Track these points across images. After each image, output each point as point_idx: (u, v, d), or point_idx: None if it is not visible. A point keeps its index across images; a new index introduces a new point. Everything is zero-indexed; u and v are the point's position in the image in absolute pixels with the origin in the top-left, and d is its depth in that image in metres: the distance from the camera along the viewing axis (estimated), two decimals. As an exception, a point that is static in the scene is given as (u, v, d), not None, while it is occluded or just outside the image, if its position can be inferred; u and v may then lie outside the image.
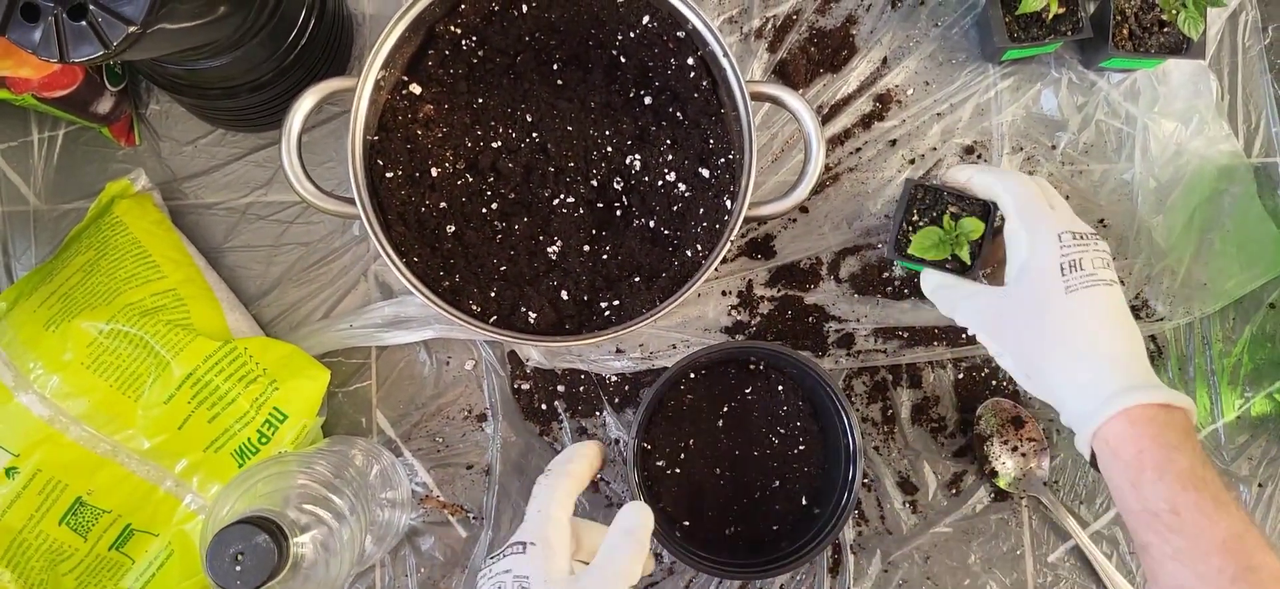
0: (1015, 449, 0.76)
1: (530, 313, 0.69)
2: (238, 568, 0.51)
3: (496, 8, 0.72)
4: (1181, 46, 0.78)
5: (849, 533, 0.77)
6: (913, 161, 0.81)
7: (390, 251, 0.66)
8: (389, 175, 0.69)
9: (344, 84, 0.66)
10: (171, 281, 0.70)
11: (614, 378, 0.77)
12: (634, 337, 0.77)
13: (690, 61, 0.71)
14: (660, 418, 0.75)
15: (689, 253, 0.70)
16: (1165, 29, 0.78)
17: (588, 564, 0.57)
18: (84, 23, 0.51)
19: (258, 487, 0.58)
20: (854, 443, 0.70)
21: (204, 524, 0.59)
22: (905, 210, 0.70)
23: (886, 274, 0.79)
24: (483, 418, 0.77)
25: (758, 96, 0.68)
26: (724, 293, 0.79)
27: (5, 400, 0.65)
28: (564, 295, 0.71)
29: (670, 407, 0.75)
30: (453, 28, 0.71)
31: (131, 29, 0.51)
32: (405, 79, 0.71)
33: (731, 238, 0.67)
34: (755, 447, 0.75)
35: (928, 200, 0.70)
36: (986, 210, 0.69)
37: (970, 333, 0.65)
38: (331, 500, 0.59)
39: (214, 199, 0.78)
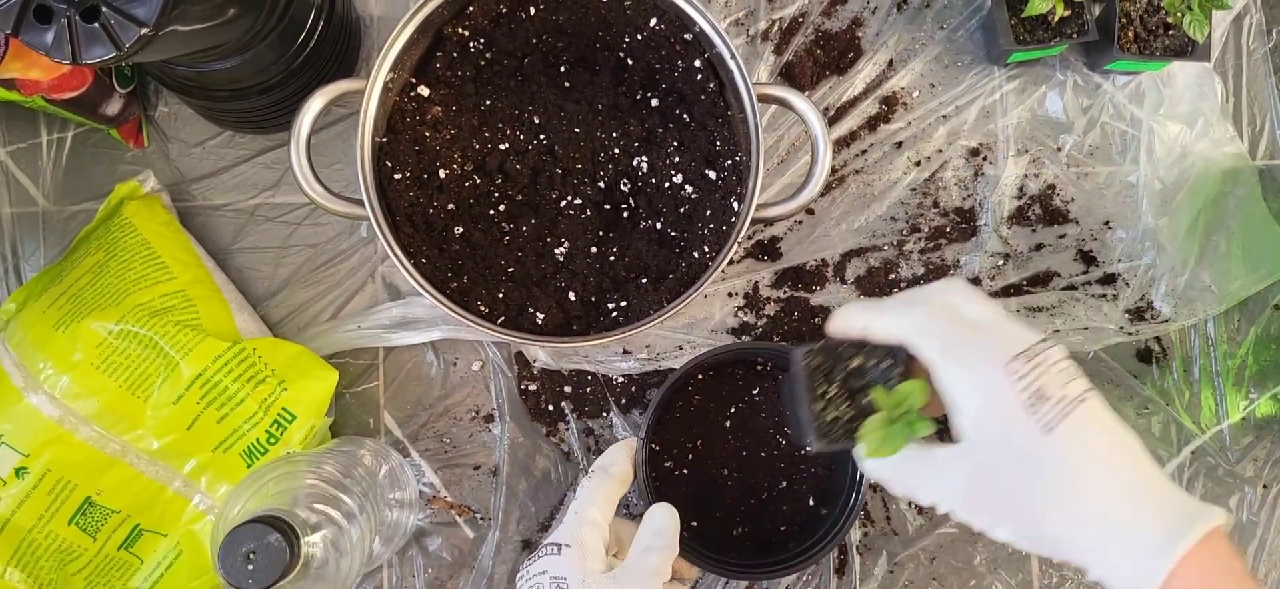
0: (1021, 450, 0.76)
1: (538, 314, 0.70)
2: (250, 567, 0.51)
3: (504, 10, 0.72)
4: (1186, 49, 0.78)
5: (855, 534, 0.77)
6: (918, 163, 0.81)
7: (398, 253, 0.66)
8: (397, 177, 0.70)
9: (353, 86, 0.66)
10: (180, 283, 0.70)
11: (620, 379, 0.77)
12: (640, 338, 0.78)
13: (697, 64, 0.71)
14: (668, 419, 0.75)
15: (696, 254, 0.71)
16: (1170, 32, 0.78)
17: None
18: (96, 25, 0.51)
19: (268, 486, 0.58)
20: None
21: (214, 524, 0.59)
22: (808, 387, 0.53)
23: (893, 276, 0.80)
24: (490, 419, 0.77)
25: (764, 99, 0.68)
26: (730, 294, 0.79)
27: (15, 401, 0.65)
28: (571, 296, 0.71)
29: (678, 408, 0.75)
30: (461, 30, 0.71)
31: (144, 31, 0.51)
32: (413, 81, 0.71)
33: (738, 239, 0.67)
34: (762, 448, 0.75)
35: (827, 366, 0.54)
36: (895, 352, 0.52)
37: (942, 512, 0.49)
38: (341, 500, 0.60)
39: (222, 200, 0.78)
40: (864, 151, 0.81)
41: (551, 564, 0.56)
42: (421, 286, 0.65)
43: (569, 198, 0.73)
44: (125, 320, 0.67)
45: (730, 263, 0.78)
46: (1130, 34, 0.78)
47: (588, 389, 0.77)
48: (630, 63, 0.73)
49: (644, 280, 0.71)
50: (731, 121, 0.72)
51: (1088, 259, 0.81)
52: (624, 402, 0.78)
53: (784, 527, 0.74)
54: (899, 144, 0.81)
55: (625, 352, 0.78)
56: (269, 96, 0.72)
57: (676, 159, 0.73)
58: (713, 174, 0.72)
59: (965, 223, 0.81)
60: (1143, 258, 0.81)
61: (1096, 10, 0.79)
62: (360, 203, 0.66)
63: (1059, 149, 0.82)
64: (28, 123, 0.77)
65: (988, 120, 0.82)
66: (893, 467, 0.51)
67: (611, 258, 0.72)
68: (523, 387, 0.77)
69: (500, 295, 0.70)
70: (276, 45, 0.68)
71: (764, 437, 0.75)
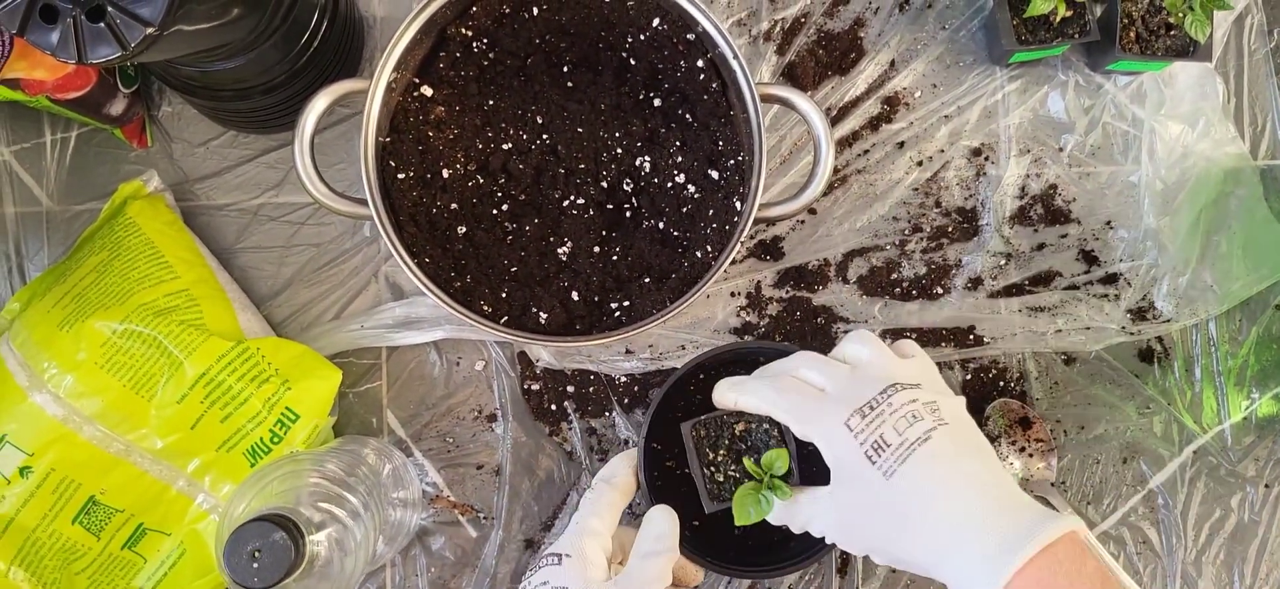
0: (1023, 449, 0.77)
1: (541, 313, 0.70)
2: (255, 565, 0.51)
3: (507, 10, 0.72)
4: (1188, 49, 0.78)
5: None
6: (920, 164, 0.81)
7: (402, 252, 0.66)
8: (401, 176, 0.70)
9: (356, 86, 0.66)
10: (184, 282, 0.70)
11: (623, 378, 0.78)
12: (643, 337, 0.78)
13: (700, 64, 0.71)
14: (669, 418, 0.75)
15: (699, 254, 0.71)
16: (1172, 32, 0.78)
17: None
18: (102, 24, 0.51)
19: (273, 485, 0.59)
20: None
21: (219, 522, 0.59)
22: (697, 456, 0.61)
23: (894, 276, 0.80)
24: (493, 418, 0.77)
25: (767, 99, 0.68)
26: (733, 294, 0.79)
27: (20, 400, 0.65)
28: (574, 296, 0.71)
29: (680, 407, 0.75)
30: (464, 30, 0.71)
31: (149, 31, 0.51)
32: (417, 81, 0.72)
33: (741, 239, 0.67)
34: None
35: (713, 434, 0.62)
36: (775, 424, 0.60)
37: (830, 543, 0.57)
38: (346, 499, 0.60)
39: (226, 200, 0.78)
40: (866, 151, 0.81)
41: (552, 574, 0.56)
42: (425, 286, 0.66)
43: (572, 197, 0.73)
44: (129, 320, 0.67)
45: (733, 262, 0.78)
46: (1132, 34, 0.78)
47: (591, 389, 0.77)
48: (633, 63, 0.74)
49: (647, 280, 0.71)
50: (734, 121, 0.72)
51: (1089, 259, 0.81)
52: (627, 401, 0.78)
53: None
54: (901, 144, 0.82)
55: (628, 351, 0.78)
56: (273, 96, 0.72)
57: (679, 159, 0.73)
58: (715, 174, 0.72)
59: (967, 223, 0.81)
60: (1144, 258, 0.81)
61: (1098, 11, 0.79)
62: (364, 202, 0.66)
63: (1061, 149, 0.82)
64: (32, 123, 0.78)
65: (990, 120, 0.82)
66: (784, 514, 0.58)
67: (614, 257, 0.73)
68: (526, 386, 0.78)
69: (503, 295, 0.70)
70: (280, 45, 0.68)
71: (766, 436, 0.75)
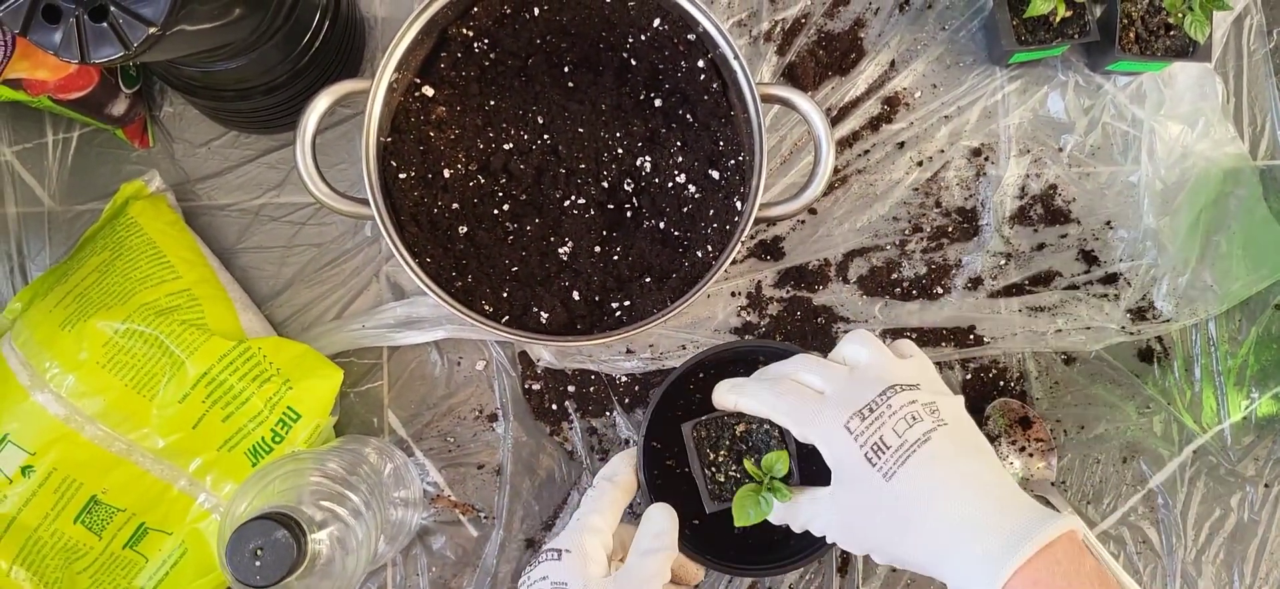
0: (1023, 449, 0.77)
1: (542, 313, 0.70)
2: (257, 563, 0.51)
3: (508, 11, 0.72)
4: (1187, 50, 0.78)
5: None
6: (920, 164, 0.81)
7: (403, 252, 0.66)
8: (402, 176, 0.70)
9: (358, 86, 0.66)
10: (186, 282, 0.71)
11: (624, 378, 0.78)
12: (644, 337, 0.78)
13: (700, 64, 0.71)
14: (669, 416, 0.75)
15: (699, 254, 0.71)
16: (1171, 32, 0.79)
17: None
18: (104, 24, 0.52)
19: (274, 484, 0.59)
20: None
21: (221, 521, 0.59)
22: (698, 456, 0.62)
23: (895, 275, 0.80)
24: (494, 418, 0.78)
25: (767, 99, 0.68)
26: (733, 294, 0.79)
27: (21, 399, 0.66)
28: (575, 296, 0.71)
29: (679, 406, 0.75)
30: (465, 31, 0.72)
31: (152, 30, 0.51)
32: (418, 81, 0.72)
33: (741, 239, 0.67)
34: (765, 446, 0.75)
35: (714, 435, 0.62)
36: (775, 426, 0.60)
37: (830, 542, 0.58)
38: (347, 498, 0.60)
39: (227, 200, 0.79)
40: (866, 152, 0.81)
41: (552, 570, 0.56)
42: (426, 286, 0.66)
43: (573, 197, 0.73)
44: (131, 319, 0.67)
45: (733, 262, 0.78)
46: (1131, 35, 0.78)
47: (591, 388, 0.78)
48: (634, 63, 0.74)
49: (647, 280, 0.71)
50: (734, 122, 0.72)
51: (1089, 259, 0.81)
52: (627, 401, 0.78)
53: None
54: (901, 144, 0.82)
55: (629, 351, 0.78)
56: (274, 97, 0.72)
57: (680, 159, 0.73)
58: (716, 174, 0.73)
59: (967, 223, 0.81)
60: (1144, 258, 0.81)
61: (1098, 11, 0.79)
62: (365, 202, 0.66)
63: (1060, 149, 0.82)
64: (34, 123, 0.78)
65: (990, 120, 0.83)
66: (785, 514, 0.58)
67: (615, 257, 0.73)
68: (526, 386, 0.78)
69: (504, 295, 0.71)
70: (282, 45, 0.68)
71: (767, 435, 0.75)
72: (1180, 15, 0.75)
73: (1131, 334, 0.81)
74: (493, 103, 0.74)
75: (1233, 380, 0.81)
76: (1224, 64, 0.84)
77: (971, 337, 0.80)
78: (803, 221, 0.81)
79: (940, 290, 0.80)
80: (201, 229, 0.78)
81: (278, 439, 0.70)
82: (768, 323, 0.79)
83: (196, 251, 0.74)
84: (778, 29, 0.82)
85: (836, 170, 0.81)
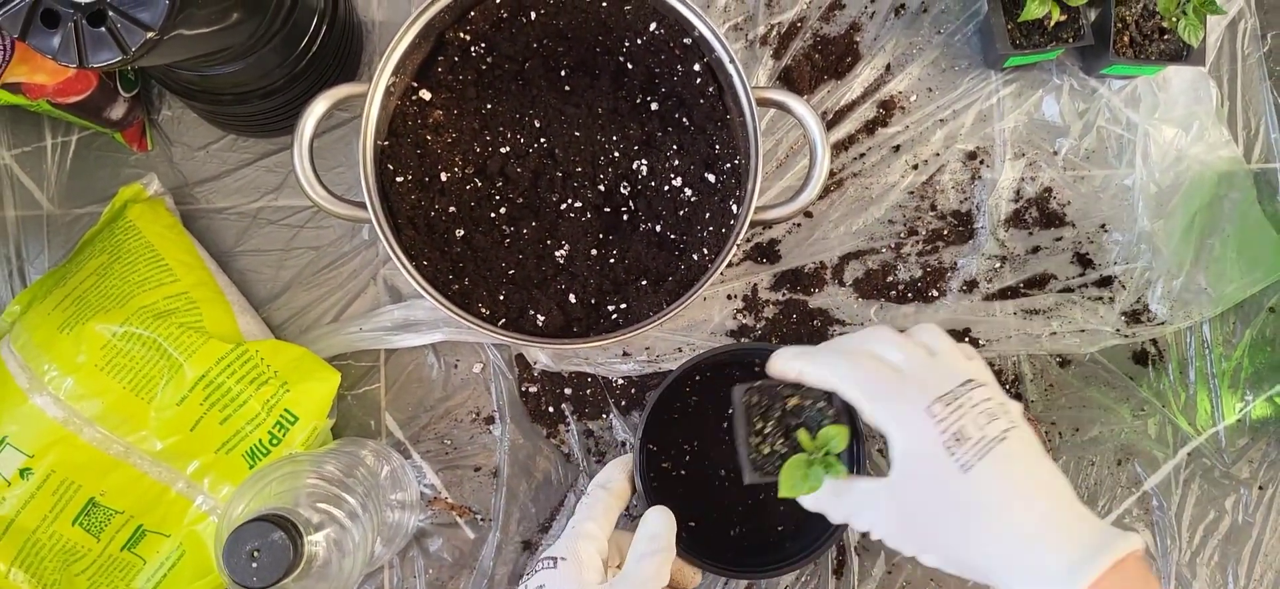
0: (1018, 452, 0.77)
1: (538, 316, 0.70)
2: (254, 565, 0.51)
3: (505, 15, 0.73)
4: (1181, 53, 0.79)
5: (853, 534, 0.77)
6: (915, 167, 0.82)
7: (400, 255, 0.66)
8: (399, 180, 0.70)
9: (355, 89, 0.67)
10: (184, 285, 0.71)
11: (620, 381, 0.78)
12: (640, 340, 0.78)
13: (696, 68, 0.72)
14: (666, 420, 0.75)
15: (695, 257, 0.71)
16: (1165, 36, 0.79)
17: None
18: (103, 29, 0.52)
19: (271, 486, 0.59)
20: (859, 442, 0.70)
21: (218, 523, 0.60)
22: (745, 423, 0.58)
23: (890, 278, 0.80)
24: (490, 420, 0.78)
25: (763, 102, 0.69)
26: (729, 296, 0.80)
27: (20, 402, 0.66)
28: (572, 299, 0.72)
29: (676, 409, 0.76)
30: (462, 34, 0.72)
31: (149, 35, 0.52)
32: (415, 85, 0.72)
33: (737, 242, 0.68)
34: (761, 448, 0.75)
35: (764, 403, 0.58)
36: (835, 397, 0.56)
37: (875, 538, 0.54)
38: (344, 500, 0.60)
39: (225, 204, 0.79)
40: (862, 155, 0.82)
41: (548, 578, 0.56)
42: (423, 289, 0.66)
43: (569, 201, 0.74)
44: (129, 322, 0.67)
45: (729, 265, 0.78)
46: (1126, 39, 0.79)
47: (588, 391, 0.78)
48: (630, 67, 0.74)
49: (644, 283, 0.72)
50: (730, 125, 0.72)
51: (1084, 262, 0.82)
52: (624, 404, 0.78)
53: (781, 527, 0.74)
54: (897, 148, 0.82)
55: (625, 354, 0.78)
56: (272, 101, 0.72)
57: (676, 162, 0.73)
58: (712, 177, 0.73)
59: (962, 226, 0.81)
60: (1139, 261, 0.81)
61: (1092, 15, 0.79)
62: (362, 206, 0.66)
63: (1055, 153, 0.83)
64: (32, 127, 0.78)
65: (985, 124, 0.83)
66: (829, 499, 0.54)
67: (611, 260, 0.73)
68: (523, 389, 0.78)
69: (501, 297, 0.71)
70: (279, 49, 0.68)
71: (763, 438, 0.75)
72: (1174, 19, 0.76)
73: (1126, 337, 0.81)
74: (489, 106, 0.74)
75: (1227, 383, 0.82)
76: (1218, 68, 0.85)
77: (967, 339, 0.80)
78: (799, 225, 0.81)
79: (936, 293, 0.80)
80: (200, 232, 0.78)
81: (275, 442, 0.70)
82: (764, 326, 0.79)
83: (194, 255, 0.74)
84: (773, 33, 0.82)
85: (832, 174, 0.81)
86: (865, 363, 0.54)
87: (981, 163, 0.82)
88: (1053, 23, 0.77)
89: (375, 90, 0.67)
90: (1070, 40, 0.78)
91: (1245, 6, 0.85)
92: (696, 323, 0.79)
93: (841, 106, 0.82)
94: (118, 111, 0.74)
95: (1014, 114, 0.83)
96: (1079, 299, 0.81)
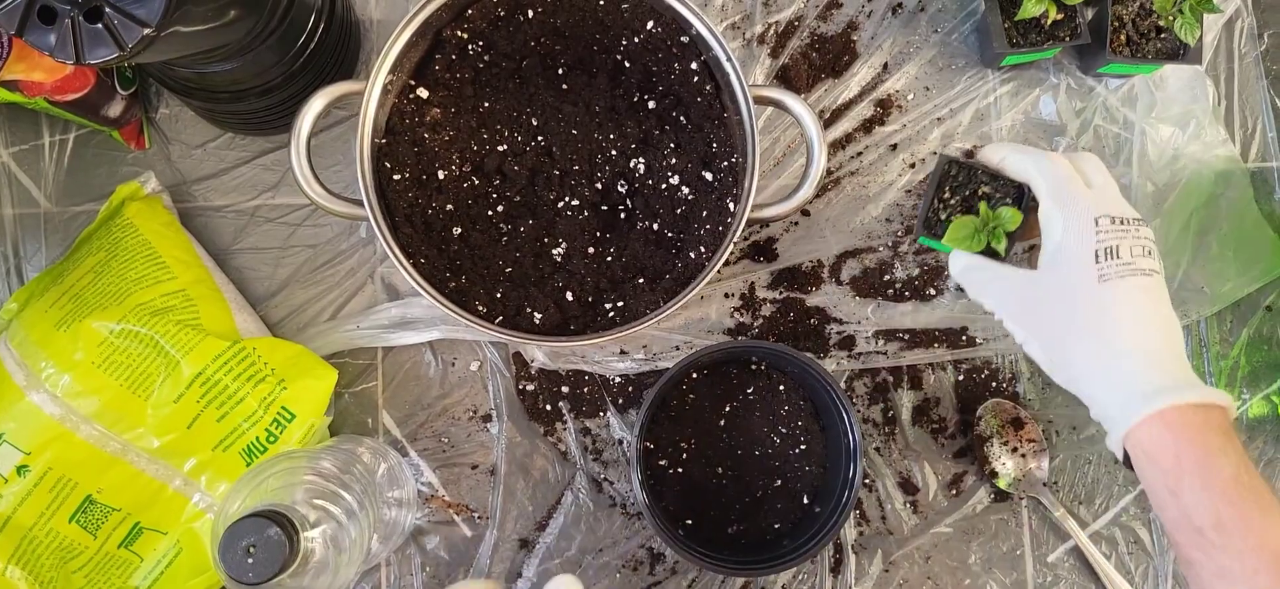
0: (1015, 450, 0.77)
1: (536, 314, 0.70)
2: (249, 560, 0.51)
3: (503, 13, 0.73)
4: (1178, 52, 0.79)
5: (850, 532, 0.78)
6: (913, 166, 0.82)
7: (397, 253, 0.66)
8: (396, 178, 0.70)
9: (353, 87, 0.67)
10: (181, 282, 0.71)
11: (617, 379, 0.78)
12: (637, 338, 0.78)
13: (694, 66, 0.72)
14: (663, 417, 0.75)
15: (692, 255, 0.71)
16: (1162, 35, 0.79)
17: None
18: (99, 25, 0.52)
19: (268, 482, 0.59)
20: (855, 441, 0.70)
21: (214, 519, 0.60)
22: (937, 188, 0.68)
23: (887, 277, 0.80)
24: (488, 418, 0.78)
25: (760, 101, 0.69)
26: (727, 295, 0.80)
27: (17, 399, 0.66)
28: (569, 296, 0.72)
29: (673, 406, 0.76)
30: (459, 33, 0.72)
31: (146, 32, 0.52)
32: (412, 83, 0.72)
33: (734, 240, 0.68)
34: (757, 446, 0.75)
35: (960, 178, 0.68)
36: (1021, 193, 0.66)
37: (997, 316, 0.63)
38: (341, 497, 0.60)
39: (223, 202, 0.79)
40: (859, 154, 0.82)
41: None
42: (420, 287, 0.66)
43: (566, 199, 0.74)
44: (126, 320, 0.67)
45: (726, 263, 0.79)
46: (1122, 37, 0.79)
47: (585, 389, 0.78)
48: (627, 65, 0.74)
49: (641, 281, 0.72)
50: (728, 124, 0.72)
51: (1081, 260, 0.82)
52: (621, 402, 0.78)
53: (778, 524, 0.74)
54: (894, 146, 0.82)
55: (622, 352, 0.78)
56: (269, 98, 0.73)
57: (673, 161, 0.73)
58: (709, 175, 0.73)
59: (959, 224, 0.81)
60: (1135, 259, 0.81)
61: (1089, 14, 0.79)
62: (359, 203, 0.66)
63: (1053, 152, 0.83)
64: (30, 124, 0.78)
65: (982, 123, 0.83)
66: (972, 270, 0.64)
67: (609, 258, 0.73)
68: (520, 386, 0.78)
69: (498, 295, 0.71)
70: (277, 47, 0.68)
71: (758, 435, 0.75)
72: (1171, 18, 0.76)
73: (1123, 335, 0.81)
74: (487, 105, 0.74)
75: (1224, 382, 0.82)
76: (1215, 67, 0.85)
77: (964, 338, 0.80)
78: (796, 223, 0.81)
79: (933, 292, 0.80)
80: (197, 230, 0.78)
81: (272, 439, 0.70)
82: (761, 324, 0.79)
83: (192, 252, 0.74)
84: (771, 32, 0.83)
85: (829, 172, 0.81)
86: (1063, 167, 0.61)
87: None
88: (1049, 21, 0.77)
89: (372, 88, 0.67)
90: (1067, 39, 0.78)
91: (1242, 5, 0.85)
92: (693, 321, 0.79)
93: (839, 105, 0.82)
94: (115, 109, 0.74)
95: (1011, 113, 0.83)
96: (1076, 298, 0.81)
